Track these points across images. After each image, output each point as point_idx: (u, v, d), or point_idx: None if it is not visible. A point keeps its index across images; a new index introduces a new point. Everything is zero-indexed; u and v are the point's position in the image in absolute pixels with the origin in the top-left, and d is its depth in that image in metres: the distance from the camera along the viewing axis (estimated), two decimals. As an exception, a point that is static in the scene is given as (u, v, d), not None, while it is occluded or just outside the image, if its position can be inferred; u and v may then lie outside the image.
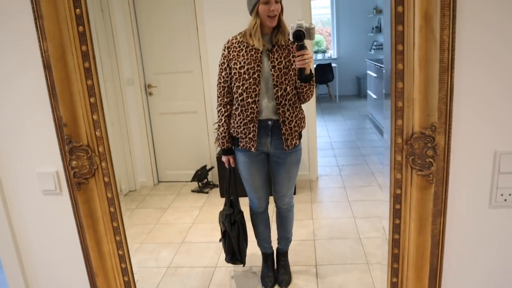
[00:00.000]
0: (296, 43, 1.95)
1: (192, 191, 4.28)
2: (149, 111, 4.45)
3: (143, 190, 4.44)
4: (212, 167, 4.33)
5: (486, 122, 1.15)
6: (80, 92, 1.19)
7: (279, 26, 2.13)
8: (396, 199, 1.18)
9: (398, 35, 1.03)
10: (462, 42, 1.06)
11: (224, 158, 2.38)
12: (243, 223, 2.44)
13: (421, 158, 1.11)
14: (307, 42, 1.99)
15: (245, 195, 2.46)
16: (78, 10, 1.13)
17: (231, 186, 2.41)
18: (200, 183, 4.27)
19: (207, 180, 4.33)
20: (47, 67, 1.19)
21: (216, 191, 4.18)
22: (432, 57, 1.03)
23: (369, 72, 6.96)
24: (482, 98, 1.13)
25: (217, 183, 4.15)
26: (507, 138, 1.16)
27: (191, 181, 4.30)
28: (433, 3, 1.00)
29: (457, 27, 1.04)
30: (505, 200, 1.21)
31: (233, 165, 2.38)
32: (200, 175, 4.23)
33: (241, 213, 2.45)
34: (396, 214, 1.19)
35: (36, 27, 1.17)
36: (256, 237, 2.61)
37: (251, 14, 2.11)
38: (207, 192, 4.20)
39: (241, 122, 2.20)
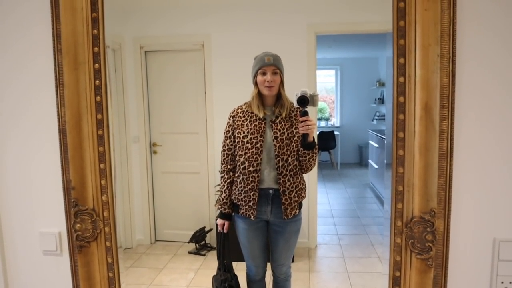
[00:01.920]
0: (300, 109, 2.03)
1: (189, 252, 4.21)
2: (152, 169, 4.49)
3: (139, 248, 4.38)
4: (211, 229, 4.29)
5: (485, 209, 1.18)
6: (91, 157, 1.23)
7: (280, 99, 2.20)
8: (395, 281, 1.18)
9: (399, 123, 1.08)
10: (461, 132, 1.12)
11: (219, 221, 2.37)
12: None
13: (421, 242, 1.13)
14: (310, 109, 2.07)
15: (239, 260, 2.43)
16: (97, 81, 1.20)
17: (225, 251, 2.39)
18: (197, 245, 4.22)
19: (205, 242, 4.28)
20: (62, 131, 1.25)
21: (213, 254, 4.12)
22: (431, 145, 1.08)
23: (371, 142, 7.07)
24: (481, 186, 1.16)
25: (215, 245, 4.10)
26: (506, 226, 1.19)
27: (188, 242, 4.25)
28: (433, 95, 1.06)
29: (456, 118, 1.10)
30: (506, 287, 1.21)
31: (225, 231, 2.37)
32: (198, 237, 4.18)
33: (235, 277, 2.41)
34: (395, 296, 1.19)
35: (57, 94, 1.24)
36: (252, 306, 2.54)
37: (253, 84, 2.21)
38: (204, 255, 4.14)
39: (242, 190, 2.22)
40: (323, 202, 6.04)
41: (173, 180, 4.46)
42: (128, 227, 4.36)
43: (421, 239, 1.13)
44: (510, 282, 1.21)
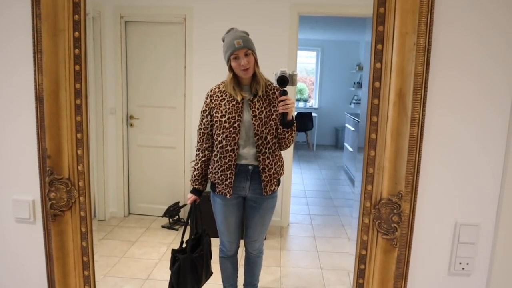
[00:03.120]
0: (279, 88, 2.05)
1: (162, 226, 4.23)
2: (128, 142, 4.45)
3: (112, 221, 4.37)
4: (185, 205, 4.31)
5: (449, 194, 1.24)
6: (68, 127, 1.23)
7: (255, 77, 2.20)
8: (361, 260, 1.24)
9: (373, 107, 1.12)
10: (431, 120, 1.16)
11: (190, 196, 2.38)
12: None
13: (387, 223, 1.18)
14: (289, 88, 2.08)
15: (213, 236, 2.46)
16: (77, 50, 1.19)
17: (198, 222, 2.40)
18: (171, 219, 4.24)
19: (179, 217, 4.30)
20: (39, 99, 1.24)
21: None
22: (403, 131, 1.12)
23: (347, 125, 7.16)
24: (447, 171, 1.22)
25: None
26: (467, 211, 1.25)
27: (162, 216, 4.26)
28: (407, 82, 1.10)
29: (427, 106, 1.15)
30: (463, 268, 1.28)
31: (196, 204, 2.37)
32: (172, 211, 4.20)
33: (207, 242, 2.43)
34: (360, 274, 1.25)
35: (34, 60, 1.22)
36: (223, 281, 2.59)
37: (228, 68, 2.21)
38: (177, 229, 4.16)
39: (218, 169, 2.25)
40: (298, 182, 6.12)
41: (149, 154, 4.44)
42: (102, 199, 4.33)
43: (387, 220, 1.18)
44: (467, 264, 1.28)
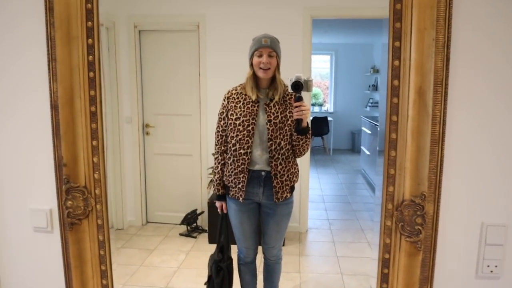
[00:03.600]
0: (294, 94, 2.02)
1: (180, 234, 4.23)
2: (145, 150, 4.47)
3: (130, 229, 4.39)
4: (202, 212, 4.31)
5: (474, 194, 1.19)
6: (84, 134, 1.22)
7: (274, 82, 2.19)
8: (384, 264, 1.20)
9: (393, 106, 1.09)
10: (453, 117, 1.12)
11: (217, 204, 2.40)
12: (230, 271, 2.42)
13: (410, 225, 1.14)
14: (304, 94, 2.06)
15: (232, 242, 2.45)
16: (91, 57, 1.19)
17: (222, 232, 2.42)
18: (189, 227, 4.23)
19: (196, 224, 4.29)
20: (54, 107, 1.24)
21: (204, 236, 4.14)
22: (424, 129, 1.08)
23: (363, 128, 7.09)
24: (472, 171, 1.18)
25: (206, 228, 4.12)
26: (494, 211, 1.20)
27: (180, 224, 4.26)
28: (427, 79, 1.07)
29: (449, 103, 1.11)
30: (491, 271, 1.23)
31: (225, 211, 2.39)
32: (190, 219, 4.20)
33: (230, 259, 2.43)
34: (384, 278, 1.21)
35: (49, 68, 1.22)
36: (242, 288, 2.57)
37: (249, 65, 2.20)
38: (195, 237, 4.16)
39: (232, 172, 2.23)
40: (315, 187, 6.07)
41: (166, 162, 4.45)
42: (120, 208, 4.36)
43: (411, 222, 1.14)
44: (496, 266, 1.23)
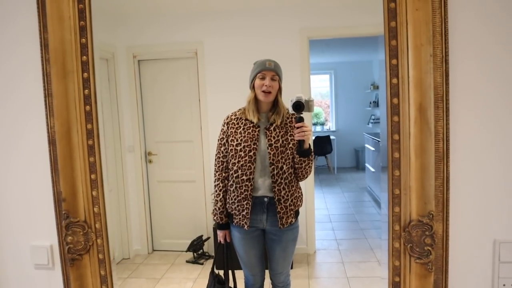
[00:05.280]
0: (295, 115, 2.00)
1: (187, 261, 4.17)
2: (148, 178, 4.46)
3: (136, 259, 4.33)
4: (208, 238, 4.26)
5: (484, 210, 1.16)
6: (82, 168, 1.21)
7: (276, 106, 2.18)
8: (395, 287, 1.16)
9: (394, 125, 1.07)
10: (456, 133, 1.10)
11: (220, 233, 2.34)
12: None
13: (419, 246, 1.11)
14: (305, 115, 2.04)
15: (238, 268, 2.41)
16: (86, 90, 1.18)
17: (229, 261, 2.37)
18: (195, 254, 4.18)
19: (203, 250, 4.24)
20: (51, 142, 1.22)
21: (211, 262, 4.07)
22: (427, 147, 1.06)
23: (367, 145, 7.06)
24: (480, 187, 1.15)
25: (213, 254, 4.06)
26: (506, 226, 1.17)
27: (186, 251, 4.21)
28: (427, 96, 1.05)
29: (451, 119, 1.09)
30: (507, 290, 1.19)
31: (228, 240, 2.34)
32: (196, 245, 4.15)
33: None
34: (395, 302, 1.16)
35: (45, 104, 1.21)
36: (251, 315, 2.50)
37: (250, 88, 2.19)
38: (202, 263, 4.10)
39: (235, 199, 2.19)
40: (321, 207, 6.02)
41: (169, 189, 4.43)
42: (125, 237, 4.32)
43: (420, 243, 1.11)
44: (512, 284, 1.19)
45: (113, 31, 4.06)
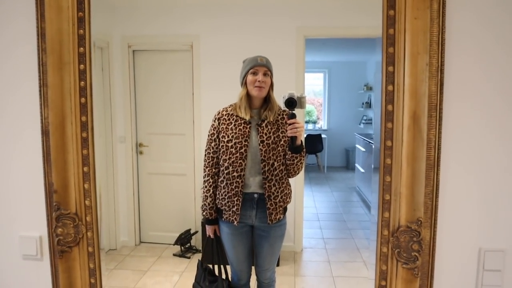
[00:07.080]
0: (287, 112, 2.01)
1: (174, 254, 4.17)
2: (138, 170, 4.44)
3: (123, 250, 4.32)
4: (196, 232, 4.26)
5: (471, 219, 1.18)
6: (75, 160, 1.20)
7: (268, 102, 2.18)
8: (381, 290, 1.18)
9: (387, 131, 1.08)
10: (448, 142, 1.12)
11: (209, 228, 2.34)
12: None
13: (407, 252, 1.12)
14: (298, 111, 2.05)
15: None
16: (82, 82, 1.18)
17: (220, 256, 2.38)
18: (182, 247, 4.18)
19: (190, 244, 4.24)
20: (45, 133, 1.22)
21: (198, 256, 4.08)
22: (419, 155, 1.08)
23: (357, 146, 7.10)
24: (468, 195, 1.17)
25: (200, 248, 4.06)
26: (492, 236, 1.19)
27: (173, 244, 4.21)
28: (421, 104, 1.06)
29: (443, 128, 1.10)
30: (490, 297, 1.21)
31: (218, 235, 2.35)
32: (184, 239, 4.15)
33: (226, 281, 2.40)
34: (381, 305, 1.18)
35: (40, 94, 1.21)
36: (236, 312, 2.52)
37: (241, 85, 2.19)
38: (189, 257, 4.10)
39: (225, 195, 2.20)
40: (309, 205, 6.04)
41: (159, 182, 4.42)
42: (113, 228, 4.30)
43: (407, 249, 1.12)
44: (495, 292, 1.21)
45: (109, 19, 4.03)
